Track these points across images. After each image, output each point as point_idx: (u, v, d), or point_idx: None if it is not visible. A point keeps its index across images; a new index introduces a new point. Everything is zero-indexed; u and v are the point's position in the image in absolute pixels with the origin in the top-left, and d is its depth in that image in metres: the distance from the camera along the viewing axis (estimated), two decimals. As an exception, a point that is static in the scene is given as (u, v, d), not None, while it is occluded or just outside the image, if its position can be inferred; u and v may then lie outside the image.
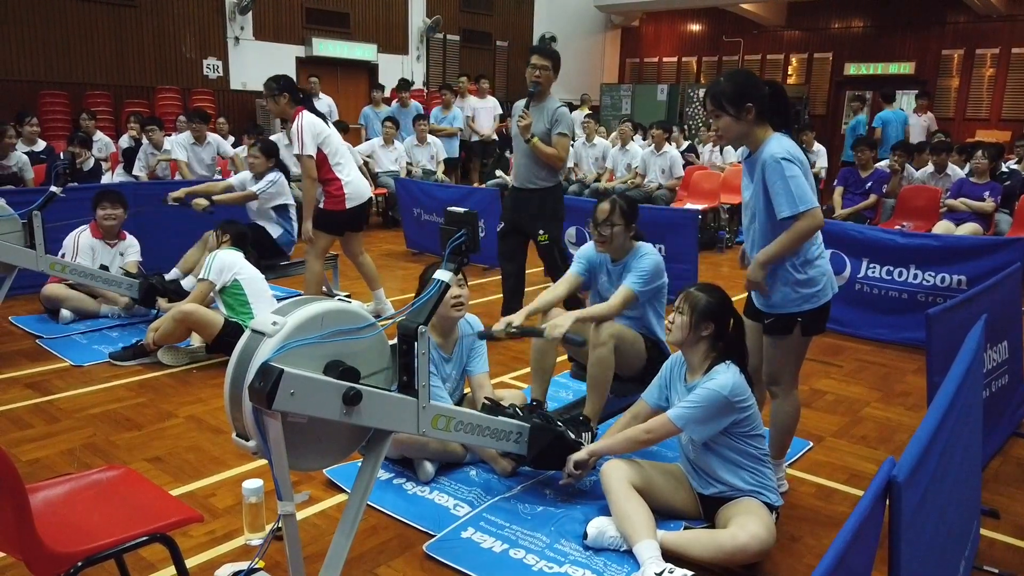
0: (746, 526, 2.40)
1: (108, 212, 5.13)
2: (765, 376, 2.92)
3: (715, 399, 2.49)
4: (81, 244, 5.08)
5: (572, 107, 15.08)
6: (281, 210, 5.68)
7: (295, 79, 11.76)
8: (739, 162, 9.93)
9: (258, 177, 5.58)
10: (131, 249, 5.32)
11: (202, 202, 5.38)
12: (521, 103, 4.77)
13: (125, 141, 8.61)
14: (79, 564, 1.71)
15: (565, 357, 3.58)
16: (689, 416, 2.52)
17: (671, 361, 2.79)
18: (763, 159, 2.65)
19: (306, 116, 4.78)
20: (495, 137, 10.74)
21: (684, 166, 9.19)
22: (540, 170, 4.72)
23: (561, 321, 3.04)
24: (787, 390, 2.90)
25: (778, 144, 2.65)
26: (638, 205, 3.46)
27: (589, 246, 3.50)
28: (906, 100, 14.27)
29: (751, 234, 2.83)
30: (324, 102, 10.25)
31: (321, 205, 4.98)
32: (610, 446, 2.73)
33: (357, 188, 4.99)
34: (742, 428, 2.55)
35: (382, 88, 10.83)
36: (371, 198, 5.20)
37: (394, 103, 10.86)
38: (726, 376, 2.52)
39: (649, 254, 3.36)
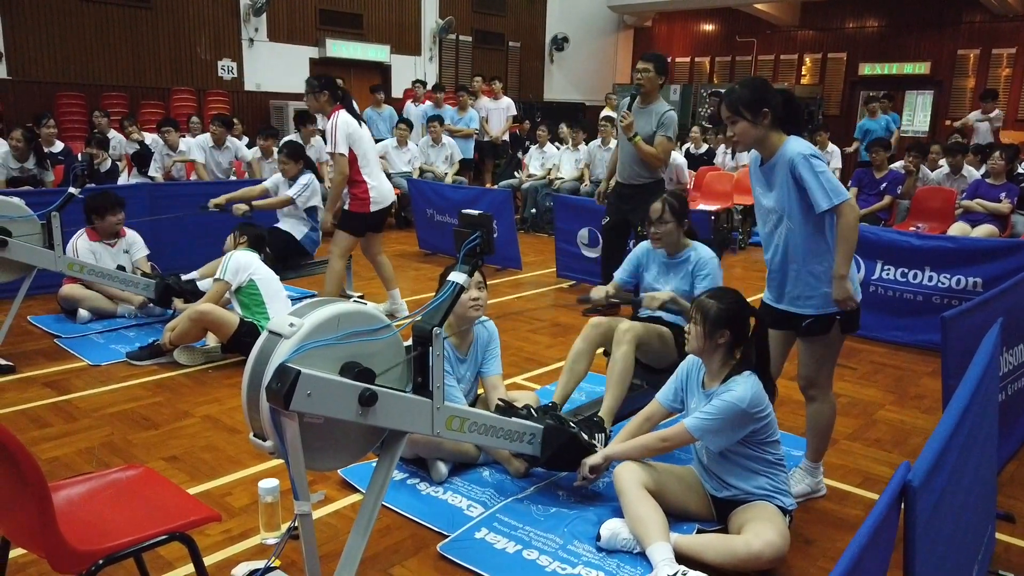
0: (761, 533, 2.40)
1: (120, 217, 5.20)
2: (802, 380, 2.93)
3: (732, 411, 2.48)
4: (80, 250, 5.07)
5: (584, 108, 15.08)
6: (311, 211, 5.81)
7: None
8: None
9: (291, 180, 5.69)
10: (135, 245, 5.36)
11: (241, 207, 5.54)
12: (625, 101, 5.05)
13: (129, 145, 8.65)
14: (100, 562, 1.74)
15: (600, 352, 3.62)
16: (706, 427, 2.52)
17: (689, 363, 2.78)
18: (790, 158, 2.68)
19: (342, 115, 4.87)
20: (506, 138, 10.76)
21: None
22: (643, 168, 5.06)
23: (660, 295, 3.30)
24: (824, 392, 2.91)
25: (800, 143, 2.71)
26: (687, 202, 3.60)
27: (637, 249, 3.66)
28: (920, 100, 14.20)
29: (776, 239, 2.82)
30: None
31: (346, 206, 5.06)
32: (625, 451, 2.74)
33: (382, 192, 5.08)
34: (759, 436, 2.55)
35: (381, 89, 10.85)
36: (394, 200, 5.32)
37: (408, 103, 10.87)
38: (744, 387, 2.50)
39: (712, 256, 3.44)
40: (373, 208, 5.03)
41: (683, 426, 2.57)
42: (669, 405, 2.80)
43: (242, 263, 4.38)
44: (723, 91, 2.87)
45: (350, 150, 4.88)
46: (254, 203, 5.62)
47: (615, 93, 12.29)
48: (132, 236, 5.38)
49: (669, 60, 16.92)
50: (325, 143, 5.08)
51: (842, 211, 2.63)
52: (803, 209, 2.71)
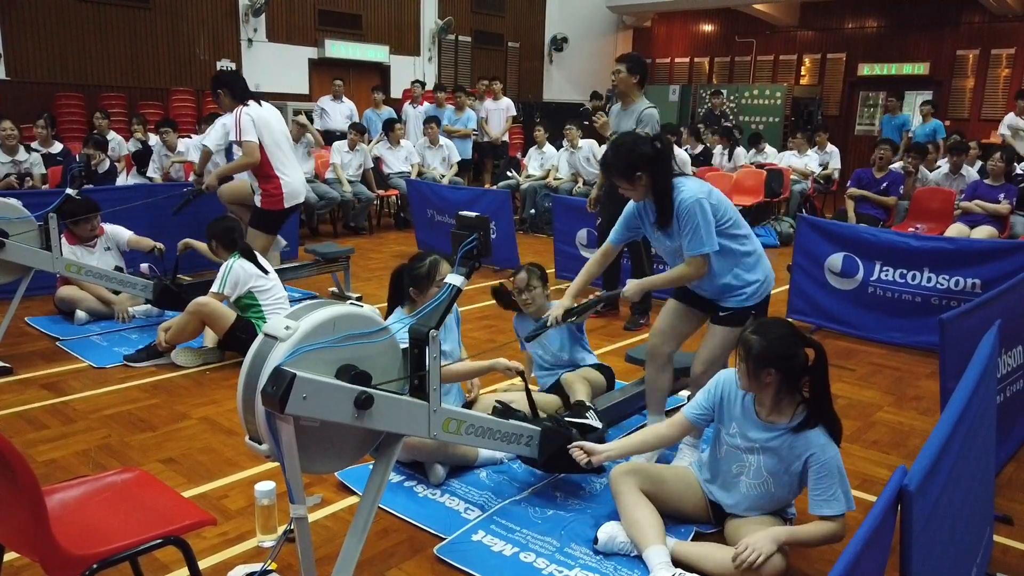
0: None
1: (93, 223, 5.15)
2: (701, 365, 3.09)
3: (839, 469, 2.40)
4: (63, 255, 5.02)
5: (584, 107, 15.07)
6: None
7: (308, 81, 11.93)
8: (750, 164, 9.92)
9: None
10: (117, 237, 5.32)
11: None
12: (617, 106, 5.14)
13: (133, 144, 8.67)
14: (94, 566, 1.73)
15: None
16: (849, 498, 2.40)
17: (725, 382, 2.60)
18: (678, 203, 2.90)
19: (244, 108, 4.89)
20: (505, 139, 10.74)
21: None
22: None
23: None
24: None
25: (689, 190, 2.90)
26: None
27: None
28: (920, 101, 14.19)
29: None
30: (346, 106, 10.29)
31: (257, 203, 5.05)
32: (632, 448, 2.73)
33: (295, 188, 5.07)
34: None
35: (384, 90, 10.87)
36: (303, 201, 5.35)
37: (406, 104, 10.85)
38: (828, 443, 2.40)
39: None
40: (287, 204, 5.02)
41: (833, 525, 2.39)
42: (696, 419, 2.66)
43: (240, 278, 4.33)
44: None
45: (260, 145, 4.88)
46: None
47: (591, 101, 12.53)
48: (111, 230, 5.32)
49: (668, 60, 17.05)
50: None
51: (689, 261, 2.91)
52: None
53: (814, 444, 2.38)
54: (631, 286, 3.09)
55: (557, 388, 3.55)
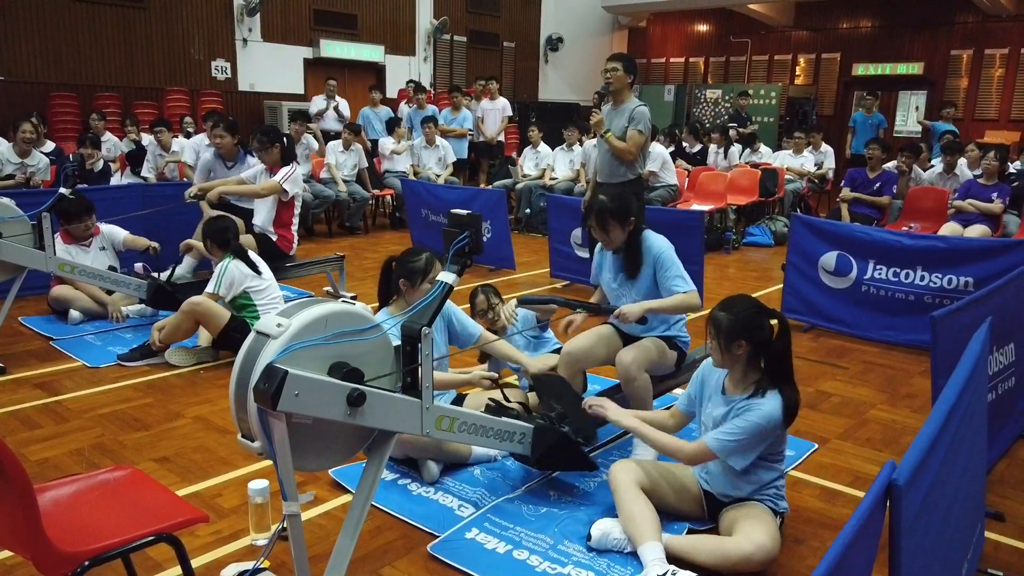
0: (752, 536, 2.40)
1: (88, 223, 5.13)
2: (628, 359, 3.15)
3: (757, 430, 2.44)
4: (56, 253, 4.93)
5: (578, 108, 15.10)
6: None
7: (303, 80, 11.93)
8: (745, 163, 9.94)
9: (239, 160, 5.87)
10: (112, 237, 5.32)
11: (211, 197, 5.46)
12: (608, 105, 5.18)
13: (126, 144, 8.65)
14: (86, 563, 1.73)
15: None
16: (731, 447, 2.46)
17: (706, 367, 2.73)
18: (654, 254, 3.23)
19: (298, 168, 5.54)
20: (501, 138, 10.75)
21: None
22: (620, 166, 5.09)
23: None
24: (640, 371, 3.19)
25: (654, 241, 3.24)
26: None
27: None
28: (914, 101, 14.24)
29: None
30: (341, 104, 10.30)
31: (274, 239, 5.52)
32: (643, 434, 2.66)
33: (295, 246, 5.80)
34: (773, 447, 2.54)
35: (380, 89, 10.87)
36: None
37: (403, 104, 10.86)
38: (771, 406, 2.44)
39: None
40: (291, 253, 5.60)
41: (704, 444, 2.50)
42: (686, 410, 2.80)
43: (236, 279, 4.33)
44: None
45: (292, 199, 5.45)
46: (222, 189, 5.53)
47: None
48: (107, 230, 5.32)
49: (663, 60, 17.07)
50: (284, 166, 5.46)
51: (693, 293, 3.16)
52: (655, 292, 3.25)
53: (755, 404, 2.47)
54: (631, 307, 3.08)
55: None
